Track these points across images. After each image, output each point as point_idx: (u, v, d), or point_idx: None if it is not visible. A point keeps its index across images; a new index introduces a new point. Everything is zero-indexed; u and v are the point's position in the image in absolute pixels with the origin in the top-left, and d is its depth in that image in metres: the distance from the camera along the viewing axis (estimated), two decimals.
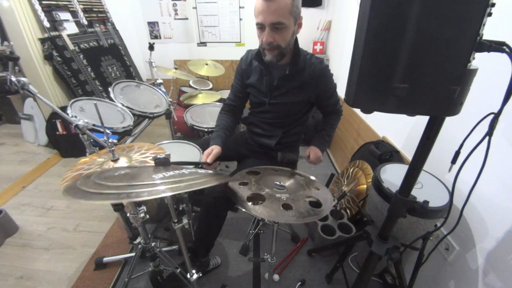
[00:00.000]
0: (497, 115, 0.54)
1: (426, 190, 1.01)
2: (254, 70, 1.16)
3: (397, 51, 0.49)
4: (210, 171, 0.81)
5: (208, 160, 1.05)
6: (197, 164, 1.11)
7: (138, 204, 0.94)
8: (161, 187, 0.58)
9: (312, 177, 0.95)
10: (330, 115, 1.26)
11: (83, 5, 2.54)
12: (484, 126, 0.57)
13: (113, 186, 0.57)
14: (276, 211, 0.70)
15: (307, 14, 2.92)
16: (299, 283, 1.33)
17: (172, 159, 0.79)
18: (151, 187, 0.57)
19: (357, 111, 2.04)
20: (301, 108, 1.17)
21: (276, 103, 1.15)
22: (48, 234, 1.63)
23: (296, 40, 1.04)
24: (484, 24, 0.47)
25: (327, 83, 1.12)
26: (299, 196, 0.78)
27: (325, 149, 1.25)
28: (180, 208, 1.44)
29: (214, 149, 1.07)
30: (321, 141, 1.24)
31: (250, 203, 0.73)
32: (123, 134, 1.42)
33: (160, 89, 1.88)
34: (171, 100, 1.87)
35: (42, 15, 2.10)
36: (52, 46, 2.15)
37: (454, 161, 0.65)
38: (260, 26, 0.96)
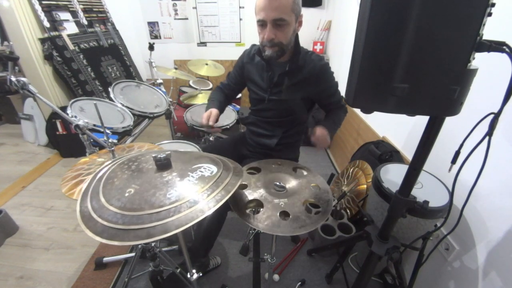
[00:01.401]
0: (497, 115, 0.54)
1: (426, 190, 1.01)
2: (255, 65, 1.16)
3: (397, 51, 0.49)
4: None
5: (210, 122, 1.07)
6: (201, 127, 1.12)
7: None
8: (213, 194, 0.57)
9: (314, 173, 0.95)
10: (335, 111, 1.22)
11: (83, 5, 2.54)
12: (484, 126, 0.57)
13: (137, 216, 0.53)
14: (274, 221, 0.70)
15: (307, 14, 2.92)
16: (299, 283, 1.33)
17: (173, 159, 0.79)
18: (189, 207, 0.55)
19: (357, 111, 2.04)
20: (301, 107, 1.17)
21: (276, 99, 1.14)
22: (48, 234, 1.63)
23: (296, 37, 1.04)
24: (484, 24, 0.46)
25: (328, 80, 1.11)
26: (298, 200, 0.78)
27: (333, 134, 1.10)
28: None
29: (213, 111, 1.11)
30: (332, 124, 1.11)
31: (248, 211, 0.74)
32: (123, 134, 1.42)
33: (160, 89, 1.89)
34: (171, 100, 1.87)
35: (42, 15, 2.10)
36: (52, 46, 2.15)
37: (454, 161, 0.65)
38: (262, 23, 0.95)
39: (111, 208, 0.55)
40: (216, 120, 1.11)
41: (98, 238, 0.50)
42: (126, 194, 0.58)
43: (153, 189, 0.60)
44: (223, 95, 1.31)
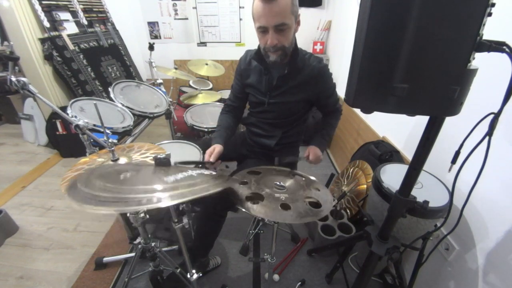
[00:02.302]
0: (497, 115, 0.54)
1: (426, 190, 1.01)
2: (253, 70, 1.16)
3: (397, 51, 0.49)
4: (213, 172, 0.81)
5: (211, 159, 1.05)
6: (200, 163, 1.12)
7: None
8: (175, 192, 0.58)
9: (313, 178, 0.95)
10: (330, 114, 1.25)
11: (83, 5, 2.54)
12: (484, 126, 0.57)
13: (125, 190, 0.55)
14: (274, 210, 0.70)
15: (307, 14, 2.92)
16: (299, 283, 1.33)
17: (173, 159, 0.79)
18: (169, 191, 0.56)
19: (357, 111, 2.04)
20: (300, 108, 1.17)
21: (275, 102, 1.14)
22: (48, 234, 1.63)
23: (295, 38, 1.04)
24: (484, 24, 0.46)
25: (326, 82, 1.12)
26: (298, 196, 0.78)
27: (325, 148, 1.23)
28: (180, 208, 1.44)
29: (216, 148, 1.08)
30: (321, 140, 1.22)
31: (248, 203, 0.73)
32: (123, 134, 1.42)
33: (160, 89, 1.88)
34: (171, 100, 1.87)
35: (42, 15, 2.10)
36: (52, 46, 2.15)
37: (454, 161, 0.65)
38: (263, 30, 0.95)
39: (99, 182, 0.57)
40: (218, 157, 1.09)
41: (73, 200, 0.50)
42: (121, 176, 0.61)
43: (150, 174, 0.62)
44: (232, 118, 1.27)
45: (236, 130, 1.31)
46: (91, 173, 0.61)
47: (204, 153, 1.11)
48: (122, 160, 0.95)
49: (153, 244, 1.03)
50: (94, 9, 2.70)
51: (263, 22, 0.92)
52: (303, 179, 0.94)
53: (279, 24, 0.91)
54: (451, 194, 0.72)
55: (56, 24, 2.23)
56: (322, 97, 1.15)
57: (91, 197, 0.51)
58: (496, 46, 0.47)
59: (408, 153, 1.36)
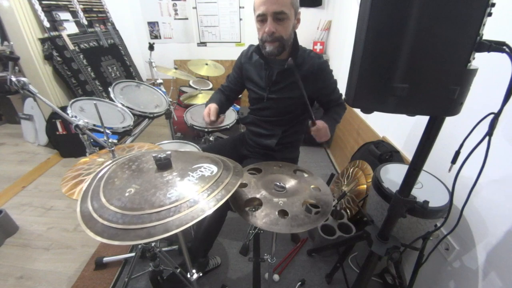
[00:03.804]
0: (497, 115, 0.54)
1: (426, 190, 1.01)
2: (253, 64, 1.16)
3: (397, 51, 0.49)
4: (217, 159, 0.80)
5: (212, 118, 1.09)
6: (204, 128, 1.13)
7: None
8: (201, 202, 0.56)
9: (315, 175, 0.95)
10: (334, 108, 1.22)
11: (83, 5, 2.54)
12: (484, 126, 0.57)
13: (138, 216, 0.53)
14: (272, 219, 0.70)
15: (307, 14, 2.92)
16: (299, 283, 1.33)
17: (173, 159, 0.79)
18: (189, 206, 0.55)
19: (357, 111, 2.04)
20: (300, 105, 1.16)
21: (275, 98, 1.14)
22: (48, 234, 1.63)
23: (295, 35, 1.05)
24: (484, 24, 0.46)
25: (327, 78, 1.11)
26: (297, 200, 0.78)
27: (333, 129, 1.12)
28: None
29: (211, 107, 1.12)
30: (330, 120, 1.11)
31: (247, 209, 0.74)
32: (123, 134, 1.42)
33: (160, 89, 1.89)
34: (171, 100, 1.87)
35: (42, 15, 2.10)
36: (52, 46, 2.15)
37: (454, 161, 0.65)
38: (262, 18, 0.96)
39: (111, 208, 0.55)
40: (217, 115, 1.12)
41: (98, 238, 0.50)
42: (127, 194, 0.58)
43: (153, 188, 0.60)
44: (223, 96, 1.32)
45: (226, 109, 1.34)
46: (99, 194, 0.60)
47: (204, 114, 1.14)
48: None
49: (153, 244, 1.03)
50: (94, 9, 2.70)
51: (262, 9, 0.93)
52: (306, 175, 0.94)
53: (278, 12, 0.92)
54: (451, 194, 0.72)
55: (56, 24, 2.23)
56: (323, 94, 1.15)
57: (125, 233, 0.51)
58: (496, 46, 0.47)
59: (408, 153, 1.36)
